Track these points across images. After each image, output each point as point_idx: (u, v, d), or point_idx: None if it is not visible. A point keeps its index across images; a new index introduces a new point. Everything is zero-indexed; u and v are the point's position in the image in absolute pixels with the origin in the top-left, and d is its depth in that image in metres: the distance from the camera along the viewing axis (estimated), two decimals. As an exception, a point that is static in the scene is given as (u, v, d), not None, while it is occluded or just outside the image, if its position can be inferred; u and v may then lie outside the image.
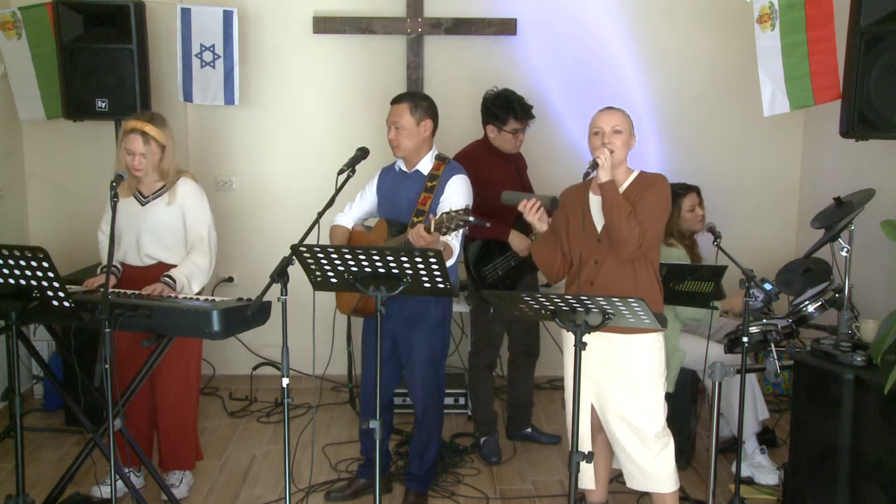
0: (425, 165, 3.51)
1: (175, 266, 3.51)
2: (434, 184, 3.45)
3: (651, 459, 3.04)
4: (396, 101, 3.52)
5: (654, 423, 3.03)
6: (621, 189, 3.04)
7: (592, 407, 3.12)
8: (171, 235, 3.55)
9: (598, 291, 2.97)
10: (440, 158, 3.54)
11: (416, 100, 3.52)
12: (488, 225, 3.11)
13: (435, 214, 3.27)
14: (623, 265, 3.02)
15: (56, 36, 4.40)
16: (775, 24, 4.03)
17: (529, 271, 4.17)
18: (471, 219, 2.92)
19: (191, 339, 3.52)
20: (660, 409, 3.06)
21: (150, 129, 3.45)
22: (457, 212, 2.96)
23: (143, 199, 3.55)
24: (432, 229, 3.02)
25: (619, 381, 3.03)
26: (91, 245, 3.88)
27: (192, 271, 3.49)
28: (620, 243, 2.94)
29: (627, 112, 3.10)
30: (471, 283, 4.17)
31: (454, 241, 3.36)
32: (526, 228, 4.09)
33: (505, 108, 3.98)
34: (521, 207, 3.02)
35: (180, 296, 3.38)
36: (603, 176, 2.94)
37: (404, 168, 3.56)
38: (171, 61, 4.74)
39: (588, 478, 3.19)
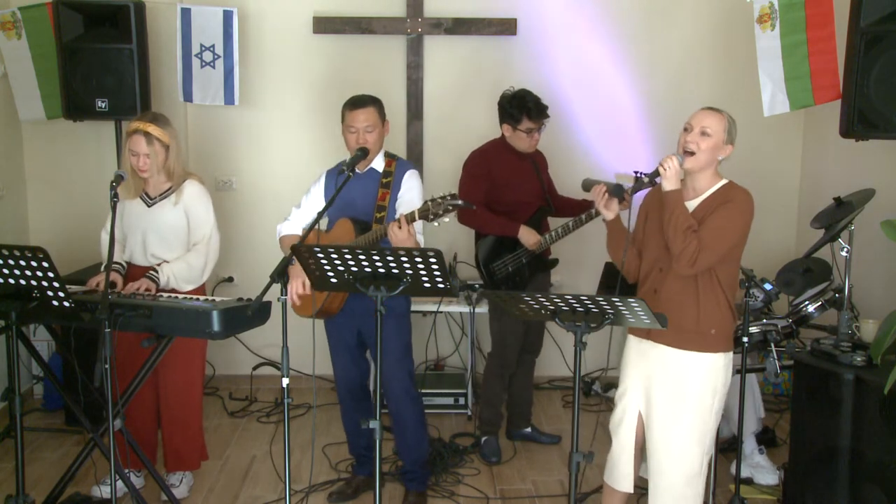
0: (378, 164, 3.53)
1: None
2: (389, 180, 3.48)
3: (683, 483, 2.88)
4: (360, 105, 3.46)
5: (698, 443, 2.87)
6: (701, 198, 2.88)
7: (640, 415, 2.97)
8: (176, 236, 3.55)
9: (661, 302, 2.84)
10: (390, 156, 3.57)
11: (377, 101, 3.53)
12: (474, 207, 3.13)
13: (395, 210, 3.36)
14: (686, 280, 2.83)
15: (56, 36, 4.40)
16: (775, 25, 4.03)
17: (542, 270, 4.16)
18: (459, 202, 2.92)
19: (195, 340, 3.52)
20: (708, 432, 2.89)
21: (152, 128, 3.45)
22: (443, 197, 2.96)
23: (149, 201, 3.56)
24: (417, 217, 3.03)
25: (669, 397, 2.87)
26: (91, 245, 3.88)
27: (180, 269, 3.49)
28: (674, 257, 2.80)
29: (727, 115, 2.91)
30: (485, 281, 4.16)
31: (419, 235, 3.36)
32: (540, 228, 4.10)
33: (519, 107, 3.98)
34: (591, 194, 3.03)
35: (172, 295, 3.38)
36: (666, 185, 2.79)
37: (356, 168, 3.54)
38: (171, 61, 4.74)
39: (626, 480, 2.99)
